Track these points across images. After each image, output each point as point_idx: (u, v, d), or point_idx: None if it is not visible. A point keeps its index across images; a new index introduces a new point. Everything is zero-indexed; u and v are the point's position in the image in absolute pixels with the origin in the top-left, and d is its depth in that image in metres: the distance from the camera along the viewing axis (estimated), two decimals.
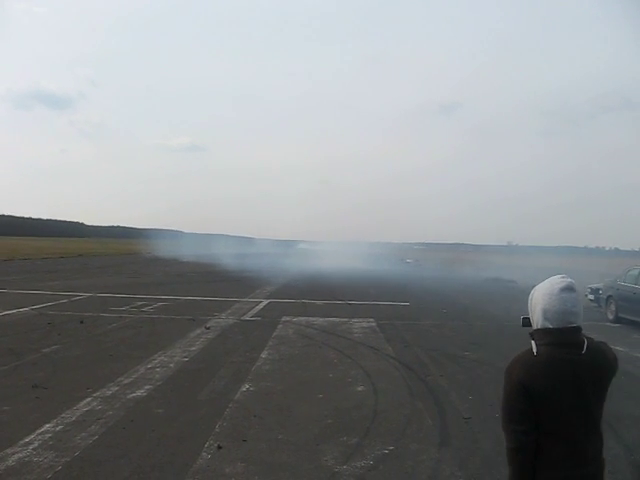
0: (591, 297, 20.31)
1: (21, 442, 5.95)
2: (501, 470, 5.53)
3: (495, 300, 22.69)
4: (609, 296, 17.68)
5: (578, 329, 2.47)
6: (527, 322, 2.73)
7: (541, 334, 2.50)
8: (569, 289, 2.48)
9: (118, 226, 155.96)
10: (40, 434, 6.21)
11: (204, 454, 5.78)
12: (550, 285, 2.54)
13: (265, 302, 19.77)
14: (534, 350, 2.48)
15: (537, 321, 2.55)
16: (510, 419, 2.47)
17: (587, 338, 2.48)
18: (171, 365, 9.66)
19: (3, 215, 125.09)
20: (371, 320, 15.61)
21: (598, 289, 19.84)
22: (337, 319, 15.69)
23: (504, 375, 2.55)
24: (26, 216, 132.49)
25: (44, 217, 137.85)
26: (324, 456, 5.81)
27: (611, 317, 17.14)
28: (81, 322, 13.86)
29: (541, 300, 2.54)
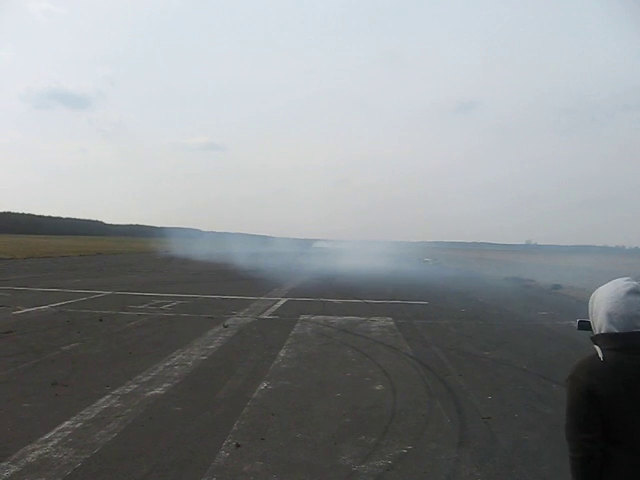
0: None
1: (41, 439, 5.99)
2: (521, 470, 5.51)
3: (514, 299, 22.54)
4: None
5: None
6: (585, 325, 2.63)
7: (606, 339, 2.39)
8: (635, 292, 2.37)
9: (137, 225, 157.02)
10: (60, 431, 6.24)
11: (222, 452, 5.79)
12: (615, 288, 2.43)
13: (283, 300, 19.78)
14: (600, 355, 2.36)
15: (600, 325, 2.43)
16: (576, 427, 2.39)
17: None
18: (189, 363, 9.69)
19: (23, 214, 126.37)
20: (389, 319, 15.56)
21: None
22: (355, 318, 15.66)
23: (567, 382, 2.45)
24: (46, 215, 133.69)
25: (63, 216, 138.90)
26: (342, 455, 5.80)
27: None
28: (100, 320, 13.94)
29: (605, 303, 2.42)
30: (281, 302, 19.34)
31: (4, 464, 5.31)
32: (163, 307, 16.96)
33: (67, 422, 6.54)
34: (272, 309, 17.39)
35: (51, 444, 5.86)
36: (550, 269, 46.55)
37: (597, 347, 2.41)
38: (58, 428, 6.33)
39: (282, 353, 10.70)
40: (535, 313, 18.17)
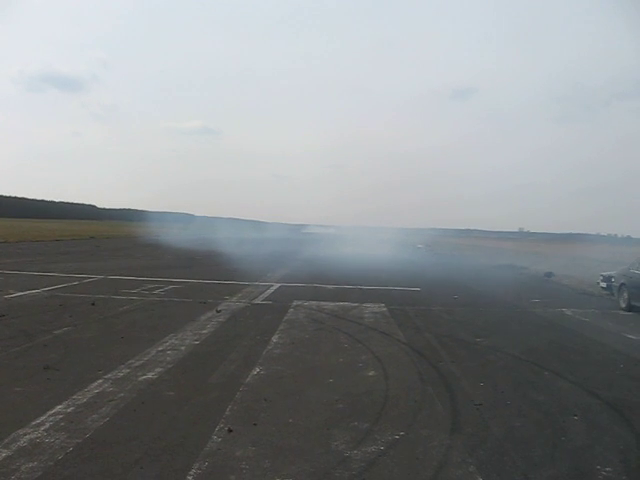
0: (603, 285, 20.22)
1: (33, 423, 5.97)
2: (512, 457, 5.52)
3: (506, 286, 22.59)
4: (622, 284, 17.51)
5: None
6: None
7: None
8: None
9: (129, 209, 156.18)
10: (52, 415, 6.23)
11: (215, 437, 5.78)
12: None
13: (276, 286, 19.78)
14: None
15: None
16: None
17: None
18: (182, 348, 9.67)
19: (16, 197, 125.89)
20: (382, 305, 15.58)
21: (610, 277, 19.72)
22: (348, 304, 15.68)
23: None
24: (38, 198, 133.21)
25: (56, 200, 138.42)
26: (335, 441, 5.80)
27: (623, 305, 16.98)
28: (92, 304, 13.91)
29: None
30: (274, 287, 19.34)
31: None
32: (156, 292, 16.94)
33: (59, 406, 6.52)
34: (265, 294, 17.39)
35: (43, 428, 5.85)
36: (543, 257, 46.67)
37: None
38: (50, 412, 6.31)
39: (275, 338, 10.70)
40: (527, 300, 18.21)
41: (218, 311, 13.56)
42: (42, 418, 6.13)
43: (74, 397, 6.86)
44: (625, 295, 17.06)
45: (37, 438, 5.59)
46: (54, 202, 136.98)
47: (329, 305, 15.30)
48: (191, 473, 4.95)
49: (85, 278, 19.91)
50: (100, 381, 7.56)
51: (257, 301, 15.88)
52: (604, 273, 20.76)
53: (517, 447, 5.80)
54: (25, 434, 5.67)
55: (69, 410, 6.42)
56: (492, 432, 6.23)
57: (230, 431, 5.95)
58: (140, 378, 7.78)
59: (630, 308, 16.53)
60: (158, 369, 8.27)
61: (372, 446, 5.67)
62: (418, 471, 5.16)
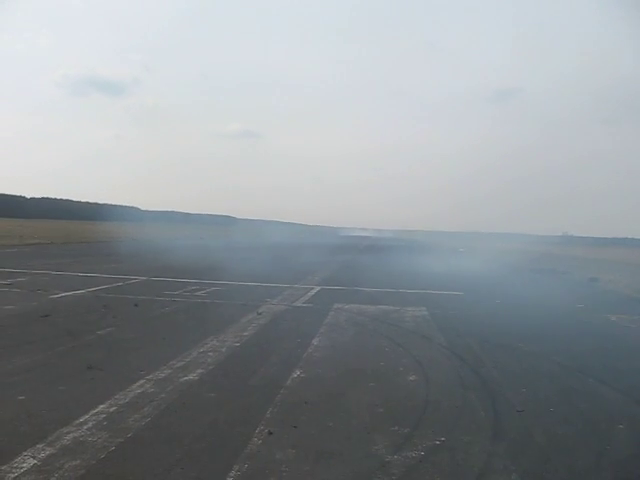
0: None
1: (76, 422, 6.06)
2: (555, 465, 5.43)
3: (549, 292, 22.25)
4: None
5: None
6: None
7: None
8: None
9: (172, 211, 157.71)
10: (94, 414, 6.31)
11: (255, 439, 5.80)
12: None
13: (317, 289, 19.76)
14: None
15: None
16: None
17: None
18: (223, 350, 9.72)
19: (61, 199, 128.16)
20: (423, 309, 15.47)
21: None
22: (389, 307, 15.60)
23: None
24: (83, 200, 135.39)
25: (100, 202, 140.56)
26: (375, 445, 5.77)
27: None
28: (135, 305, 14.08)
29: None
30: (315, 290, 19.32)
31: (40, 446, 5.39)
32: (197, 293, 17.06)
33: (102, 406, 6.60)
34: (305, 297, 17.39)
35: (86, 427, 5.93)
36: (587, 261, 45.92)
37: None
38: (93, 411, 6.40)
39: (315, 341, 10.69)
40: (571, 306, 17.89)
41: (259, 313, 13.61)
42: (85, 417, 6.21)
43: (116, 397, 6.94)
44: None
45: (80, 437, 5.67)
46: (98, 204, 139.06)
47: (370, 309, 15.23)
48: (231, 475, 4.97)
49: (128, 279, 20.15)
50: (142, 381, 7.63)
51: (298, 304, 15.89)
52: None
53: (560, 455, 5.70)
54: (69, 432, 5.76)
55: (111, 410, 6.50)
56: (534, 439, 6.13)
57: (270, 433, 5.95)
58: (181, 379, 7.84)
59: None
60: (199, 370, 8.32)
61: (412, 451, 5.62)
62: (459, 478, 5.11)
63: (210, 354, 9.37)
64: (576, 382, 8.62)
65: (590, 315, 15.93)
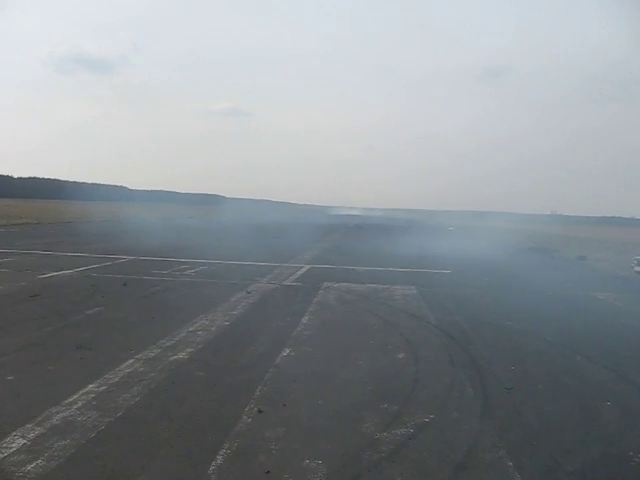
0: (638, 269, 19.93)
1: (65, 402, 6.06)
2: (544, 442, 5.47)
3: (538, 270, 22.36)
4: None
5: None
6: None
7: None
8: None
9: (160, 190, 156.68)
10: (84, 394, 6.31)
11: (245, 417, 5.82)
12: None
13: (306, 267, 19.77)
14: None
15: None
16: None
17: None
18: (212, 329, 9.73)
19: (48, 179, 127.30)
20: (412, 287, 15.51)
21: None
22: (378, 285, 15.63)
23: None
24: (71, 180, 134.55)
25: (88, 181, 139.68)
26: (364, 423, 5.80)
27: None
28: (124, 284, 14.04)
29: None
30: (304, 269, 19.33)
31: (29, 426, 5.38)
32: (186, 272, 17.04)
33: (91, 385, 6.60)
34: (295, 276, 17.40)
35: (75, 407, 5.93)
36: (576, 240, 46.13)
37: None
38: (82, 391, 6.39)
39: (305, 320, 10.71)
40: (560, 284, 17.98)
41: (248, 292, 13.61)
42: (75, 397, 6.21)
43: (106, 376, 6.94)
44: None
45: (70, 416, 5.67)
46: (86, 184, 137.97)
47: (359, 287, 15.26)
48: (221, 453, 4.98)
49: (117, 259, 20.08)
50: (131, 361, 7.63)
51: (287, 282, 15.90)
52: (638, 257, 20.45)
53: (548, 432, 5.75)
54: (58, 412, 5.76)
55: (101, 389, 6.50)
56: (523, 416, 6.19)
57: (260, 412, 5.97)
58: (171, 358, 7.84)
59: None
60: (189, 349, 8.33)
61: (401, 429, 5.66)
62: (448, 454, 5.14)
63: (200, 333, 9.37)
64: (564, 359, 8.69)
65: (578, 293, 16.03)
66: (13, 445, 4.97)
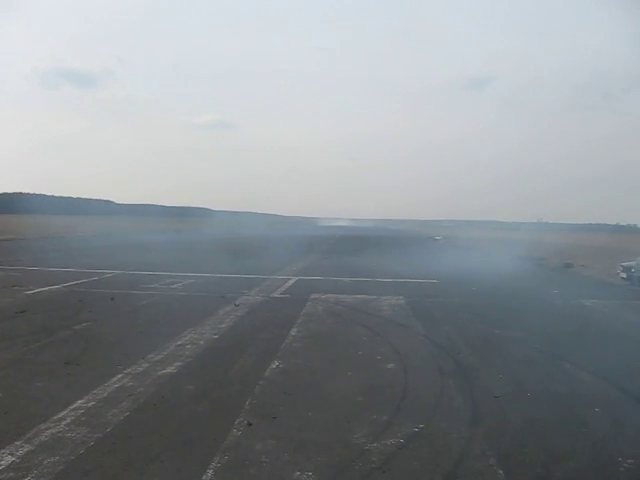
0: (624, 275, 20.08)
1: (54, 418, 6.02)
2: (533, 449, 5.49)
3: (525, 278, 22.48)
4: None
5: None
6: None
7: None
8: None
9: (147, 204, 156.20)
10: (72, 410, 6.28)
11: (235, 431, 5.80)
12: None
13: (294, 279, 19.79)
14: None
15: None
16: None
17: None
18: (201, 342, 9.71)
19: (34, 194, 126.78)
20: (400, 297, 15.55)
21: (631, 267, 19.60)
22: (366, 296, 15.65)
23: None
24: (57, 195, 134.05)
25: (74, 196, 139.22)
26: (354, 434, 5.80)
27: None
28: (112, 299, 14.00)
29: None
30: (292, 281, 19.35)
31: (18, 443, 5.35)
32: (174, 286, 17.01)
33: (80, 401, 6.57)
34: (283, 288, 17.40)
35: (64, 423, 5.89)
36: (562, 247, 46.37)
37: None
38: (71, 407, 6.36)
39: (293, 332, 10.71)
40: (547, 292, 18.07)
41: (236, 305, 13.60)
42: (63, 413, 6.18)
43: (94, 392, 6.91)
44: None
45: (59, 433, 5.63)
46: (72, 198, 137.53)
47: (347, 298, 15.28)
48: (211, 467, 4.97)
49: (104, 273, 20.03)
50: (120, 376, 7.60)
51: (275, 294, 15.90)
52: (624, 263, 20.62)
53: (537, 439, 5.76)
54: (47, 429, 5.72)
55: (90, 405, 6.47)
56: (512, 424, 6.20)
57: (250, 425, 5.96)
58: (159, 372, 7.82)
59: None
60: (177, 363, 8.31)
61: (391, 439, 5.66)
62: (438, 464, 5.15)
63: (188, 347, 9.35)
64: (552, 367, 8.73)
65: (565, 300, 16.13)
66: (2, 462, 4.93)
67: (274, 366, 8.31)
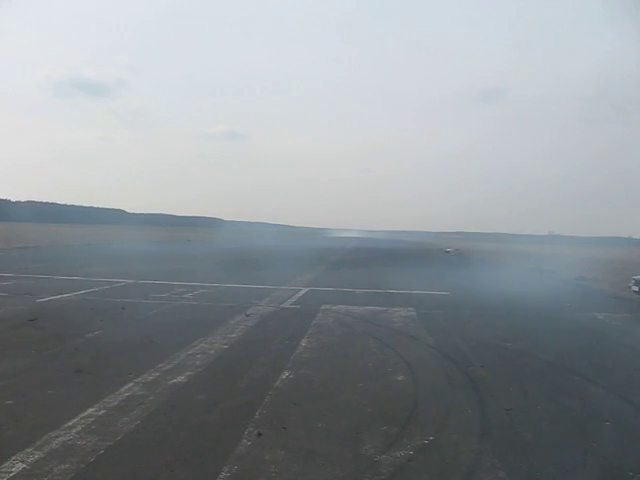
0: (635, 289, 19.95)
1: (65, 425, 6.04)
2: (543, 463, 5.47)
3: (536, 291, 22.37)
4: None
5: None
6: None
7: None
8: None
9: (158, 213, 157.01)
10: (83, 418, 6.29)
11: (244, 441, 5.80)
12: None
13: (304, 290, 19.79)
14: None
15: None
16: None
17: None
18: (211, 352, 9.72)
19: (46, 202, 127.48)
20: (411, 309, 15.51)
21: None
22: (376, 308, 15.63)
23: None
24: (68, 203, 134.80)
25: (86, 205, 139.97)
26: (364, 445, 5.79)
27: None
28: (123, 308, 14.04)
29: None
30: (303, 291, 19.35)
31: (28, 450, 5.37)
32: (185, 296, 17.04)
33: (90, 409, 6.59)
34: (293, 298, 17.41)
35: (75, 431, 5.91)
36: (573, 260, 46.16)
37: None
38: (82, 415, 6.38)
39: (304, 342, 10.71)
40: (558, 305, 17.99)
41: (247, 315, 13.61)
42: (74, 421, 6.19)
43: (105, 400, 6.93)
44: None
45: (69, 440, 5.65)
46: (83, 207, 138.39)
47: (358, 309, 15.27)
48: (221, 476, 4.97)
49: (115, 282, 20.10)
50: (131, 384, 7.62)
51: (285, 305, 15.91)
52: (636, 277, 20.49)
53: (548, 453, 5.74)
54: (57, 436, 5.74)
55: (100, 413, 6.49)
56: (522, 437, 6.17)
57: (260, 435, 5.96)
58: (170, 382, 7.83)
59: None
60: (188, 373, 8.32)
61: (401, 451, 5.64)
62: (447, 476, 5.14)
63: (198, 356, 9.37)
64: (562, 380, 8.69)
65: (577, 313, 16.04)
66: (13, 470, 4.95)
67: (284, 376, 8.31)
